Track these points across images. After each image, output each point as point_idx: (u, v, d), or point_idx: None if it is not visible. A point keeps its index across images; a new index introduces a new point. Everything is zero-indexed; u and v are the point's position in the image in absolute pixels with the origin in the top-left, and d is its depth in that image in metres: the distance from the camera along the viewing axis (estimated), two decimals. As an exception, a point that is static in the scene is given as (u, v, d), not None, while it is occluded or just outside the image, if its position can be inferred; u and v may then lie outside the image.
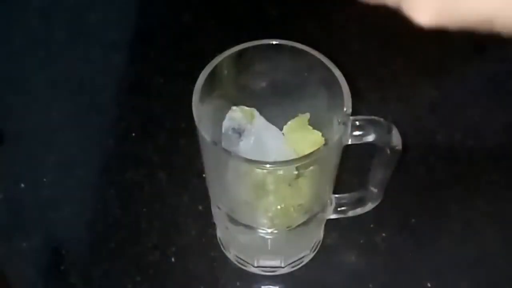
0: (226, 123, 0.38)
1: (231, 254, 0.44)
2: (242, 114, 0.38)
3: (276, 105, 0.40)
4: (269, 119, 0.40)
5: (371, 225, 0.45)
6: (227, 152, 0.34)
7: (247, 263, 0.44)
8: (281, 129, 0.40)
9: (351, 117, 0.35)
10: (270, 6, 0.59)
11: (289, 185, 0.37)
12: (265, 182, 0.36)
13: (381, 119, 0.36)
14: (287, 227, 0.39)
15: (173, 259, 0.44)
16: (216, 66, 0.36)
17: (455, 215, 0.46)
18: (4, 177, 0.49)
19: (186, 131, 0.50)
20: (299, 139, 0.39)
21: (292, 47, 0.37)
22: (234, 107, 0.39)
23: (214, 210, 0.42)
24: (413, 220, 0.46)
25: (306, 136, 0.38)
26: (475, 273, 0.44)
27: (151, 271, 0.43)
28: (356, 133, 0.36)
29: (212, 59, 0.36)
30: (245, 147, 0.38)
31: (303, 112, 0.39)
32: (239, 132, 0.38)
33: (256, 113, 0.39)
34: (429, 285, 0.43)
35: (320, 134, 0.38)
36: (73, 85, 0.54)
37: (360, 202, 0.42)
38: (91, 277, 0.43)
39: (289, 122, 0.39)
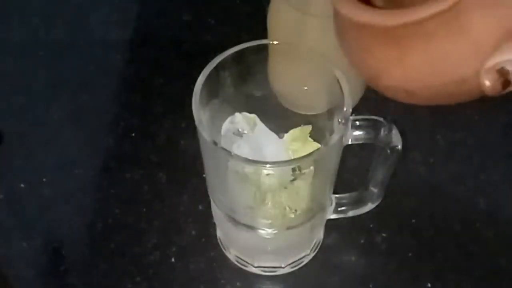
0: (226, 126, 0.38)
1: (231, 254, 0.44)
2: (244, 119, 0.38)
3: (275, 104, 0.40)
4: (268, 118, 0.40)
5: (371, 225, 0.45)
6: (227, 152, 0.34)
7: (247, 263, 0.44)
8: (281, 129, 0.40)
9: (351, 117, 0.35)
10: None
11: (289, 185, 0.37)
12: (265, 183, 0.36)
13: (381, 119, 0.36)
14: (287, 228, 0.39)
15: (173, 259, 0.44)
16: (216, 66, 0.36)
17: (455, 215, 0.46)
18: (4, 177, 0.49)
19: (186, 131, 0.50)
20: (298, 148, 0.39)
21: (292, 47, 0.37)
22: (237, 114, 0.39)
23: (214, 210, 0.42)
24: (413, 220, 0.46)
25: (306, 147, 0.38)
26: (475, 273, 0.44)
27: (151, 271, 0.43)
28: (356, 133, 0.36)
29: (212, 59, 0.36)
30: (243, 151, 0.38)
31: (303, 113, 0.39)
32: (238, 136, 0.38)
33: (257, 119, 0.39)
34: (429, 285, 0.43)
35: (319, 146, 0.38)
36: (73, 85, 0.54)
37: (360, 202, 0.42)
38: (91, 277, 0.43)
39: (291, 131, 0.39)
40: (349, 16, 0.32)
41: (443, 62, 0.28)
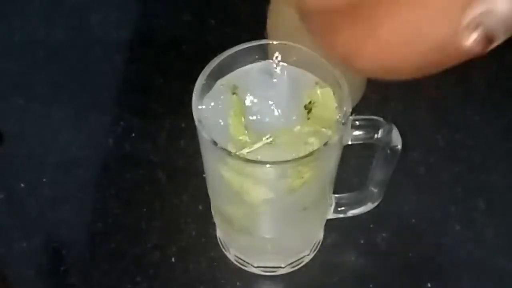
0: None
1: (231, 254, 0.44)
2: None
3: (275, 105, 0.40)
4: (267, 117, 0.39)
5: (371, 225, 0.45)
6: (227, 151, 0.34)
7: (247, 263, 0.44)
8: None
9: (351, 117, 0.35)
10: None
11: (289, 185, 0.37)
12: (264, 181, 0.36)
13: (381, 119, 0.36)
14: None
15: (173, 259, 0.44)
16: (216, 66, 0.36)
17: (455, 215, 0.46)
18: (4, 177, 0.49)
19: (186, 131, 0.50)
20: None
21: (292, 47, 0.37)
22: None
23: (214, 210, 0.42)
24: (413, 220, 0.46)
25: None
26: (475, 273, 0.44)
27: (151, 271, 0.43)
28: (356, 133, 0.36)
29: (212, 59, 0.36)
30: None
31: (302, 113, 0.39)
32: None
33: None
34: (429, 285, 0.43)
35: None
36: (73, 85, 0.54)
37: (360, 202, 0.42)
38: (91, 277, 0.43)
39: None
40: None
41: (413, 30, 0.27)
